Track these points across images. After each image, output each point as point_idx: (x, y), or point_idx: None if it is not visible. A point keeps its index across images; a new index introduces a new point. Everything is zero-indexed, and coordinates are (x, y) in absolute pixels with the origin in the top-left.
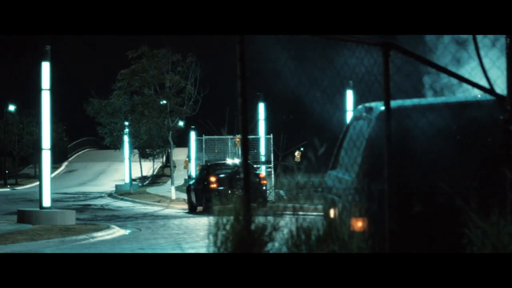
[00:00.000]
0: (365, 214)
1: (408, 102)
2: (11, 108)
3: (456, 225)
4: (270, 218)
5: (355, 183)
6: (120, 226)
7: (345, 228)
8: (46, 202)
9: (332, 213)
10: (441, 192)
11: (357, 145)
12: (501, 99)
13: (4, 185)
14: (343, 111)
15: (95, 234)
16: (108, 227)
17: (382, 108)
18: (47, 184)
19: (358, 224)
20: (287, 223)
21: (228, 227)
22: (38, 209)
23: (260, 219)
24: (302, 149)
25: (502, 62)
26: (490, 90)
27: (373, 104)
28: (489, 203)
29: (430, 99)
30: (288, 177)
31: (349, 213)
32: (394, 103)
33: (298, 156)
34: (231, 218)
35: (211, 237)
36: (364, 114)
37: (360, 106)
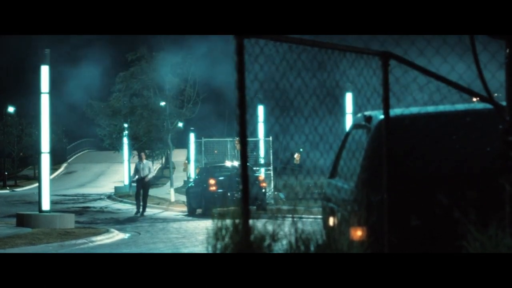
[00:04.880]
0: (364, 223)
1: (407, 111)
2: (10, 109)
3: (455, 237)
4: (269, 224)
5: (354, 193)
6: (119, 230)
7: (344, 239)
8: (45, 205)
9: (331, 221)
10: (440, 203)
11: (356, 154)
12: (500, 108)
13: (4, 187)
14: (342, 114)
15: (94, 238)
16: (107, 231)
17: (382, 117)
18: (46, 188)
19: (358, 234)
20: (286, 234)
21: (227, 238)
22: (37, 212)
23: (259, 226)
24: (301, 150)
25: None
26: (489, 99)
27: (372, 113)
28: (487, 215)
29: (429, 108)
30: (287, 179)
31: (348, 222)
32: (393, 112)
33: (298, 158)
34: (230, 228)
35: (210, 248)
36: (363, 123)
37: (359, 115)
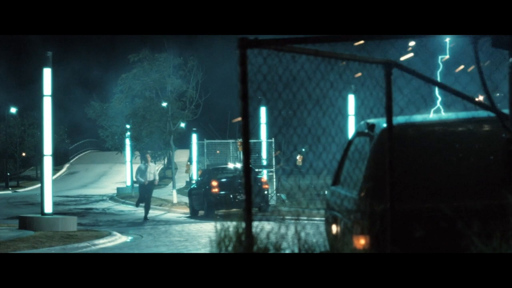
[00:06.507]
0: (367, 232)
1: (411, 119)
2: (13, 110)
3: (458, 248)
4: (272, 235)
5: (358, 201)
6: (122, 232)
7: (348, 249)
8: (48, 208)
9: (334, 230)
10: (443, 214)
11: (359, 162)
12: (503, 117)
13: (6, 188)
14: (345, 116)
15: (96, 242)
16: (109, 234)
17: (385, 125)
18: (48, 190)
19: (361, 242)
20: (289, 244)
21: (230, 248)
22: (39, 215)
23: (262, 236)
24: (304, 149)
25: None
26: (492, 108)
27: (375, 121)
28: (491, 226)
29: (433, 116)
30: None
31: (351, 231)
32: (396, 120)
33: (300, 160)
34: (233, 238)
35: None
36: (366, 131)
37: (362, 123)
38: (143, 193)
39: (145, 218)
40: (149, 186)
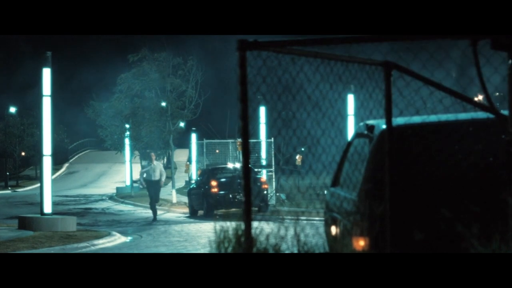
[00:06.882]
0: (367, 234)
1: (410, 120)
2: (12, 110)
3: (458, 250)
4: (272, 237)
5: (357, 202)
6: (121, 233)
7: (347, 251)
8: (47, 208)
9: (333, 231)
10: (443, 216)
11: (359, 164)
12: (502, 119)
13: (5, 187)
14: (344, 117)
15: (96, 242)
16: (109, 234)
17: (384, 126)
18: (48, 190)
19: (360, 244)
20: (288, 246)
21: (229, 249)
22: (39, 215)
23: (261, 238)
24: (303, 149)
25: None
26: (492, 109)
27: (375, 122)
28: (491, 227)
29: (432, 118)
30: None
31: (351, 232)
32: (396, 121)
33: (299, 160)
34: (232, 240)
35: None
36: (366, 132)
37: (361, 124)
38: (151, 192)
39: (155, 219)
40: (155, 184)
